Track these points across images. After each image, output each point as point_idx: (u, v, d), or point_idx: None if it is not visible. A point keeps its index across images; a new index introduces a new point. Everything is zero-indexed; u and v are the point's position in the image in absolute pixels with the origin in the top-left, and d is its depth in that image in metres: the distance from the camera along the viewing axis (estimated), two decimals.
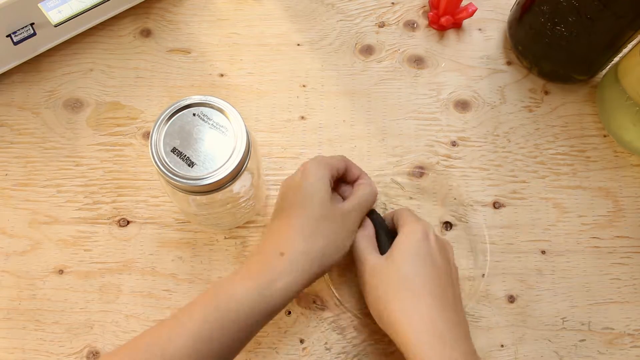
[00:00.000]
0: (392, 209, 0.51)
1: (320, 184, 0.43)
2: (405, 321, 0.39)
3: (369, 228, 0.45)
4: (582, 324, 0.49)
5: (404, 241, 0.43)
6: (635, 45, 0.49)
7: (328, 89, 0.56)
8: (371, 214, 0.46)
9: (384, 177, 0.53)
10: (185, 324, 0.38)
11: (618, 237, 0.51)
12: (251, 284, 0.39)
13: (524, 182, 0.53)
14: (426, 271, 0.41)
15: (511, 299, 0.49)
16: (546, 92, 0.57)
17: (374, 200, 0.47)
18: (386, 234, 0.46)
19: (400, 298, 0.40)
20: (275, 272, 0.40)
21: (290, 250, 0.41)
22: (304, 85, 0.56)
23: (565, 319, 0.49)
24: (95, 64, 0.57)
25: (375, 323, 0.48)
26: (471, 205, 0.52)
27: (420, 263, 0.41)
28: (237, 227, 0.51)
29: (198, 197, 0.41)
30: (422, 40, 0.59)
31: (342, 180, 0.47)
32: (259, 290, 0.39)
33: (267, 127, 0.54)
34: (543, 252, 0.51)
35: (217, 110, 0.40)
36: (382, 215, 0.47)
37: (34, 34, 0.51)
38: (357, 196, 0.45)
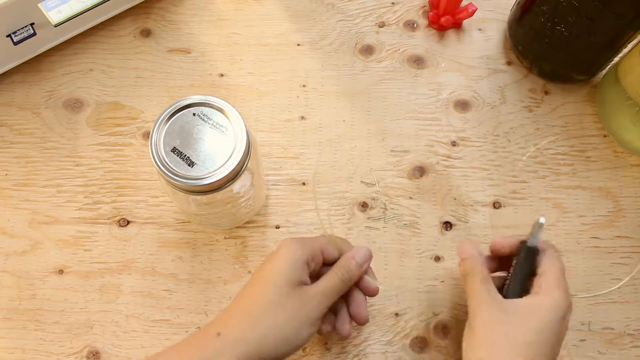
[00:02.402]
0: (393, 209, 0.51)
1: (283, 264, 0.39)
2: None
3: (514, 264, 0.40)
4: (582, 324, 0.49)
5: (543, 307, 0.37)
6: (635, 45, 0.49)
7: (328, 89, 0.56)
8: (529, 253, 0.40)
9: (384, 178, 0.53)
10: None
11: (618, 237, 0.51)
12: None
13: (524, 182, 0.53)
14: (550, 351, 0.37)
15: None
16: (546, 92, 0.57)
17: (348, 285, 0.41)
18: (524, 274, 0.40)
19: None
20: (205, 354, 0.36)
21: (226, 332, 0.37)
22: (304, 85, 0.56)
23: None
24: (95, 64, 0.57)
25: (374, 323, 0.48)
26: (471, 205, 0.52)
27: (547, 338, 0.37)
28: (237, 227, 0.51)
29: (198, 197, 0.41)
30: (422, 40, 0.59)
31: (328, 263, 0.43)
32: None
33: (267, 127, 0.54)
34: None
35: (217, 110, 0.40)
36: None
37: (34, 34, 0.51)
38: (325, 280, 0.40)
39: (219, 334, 0.37)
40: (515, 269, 0.40)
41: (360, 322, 0.43)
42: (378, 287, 0.43)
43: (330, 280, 0.40)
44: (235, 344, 0.37)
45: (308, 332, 0.39)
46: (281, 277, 0.39)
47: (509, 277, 0.41)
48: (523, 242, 0.41)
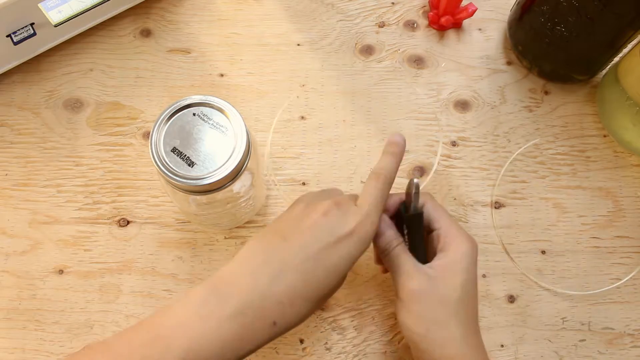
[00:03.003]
0: None
1: (362, 248, 0.37)
2: (453, 351, 0.37)
3: (408, 233, 0.41)
4: (582, 324, 0.49)
5: (457, 262, 0.39)
6: (635, 45, 0.49)
7: (328, 89, 0.56)
8: (415, 222, 0.41)
9: None
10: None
11: (618, 237, 0.51)
12: (231, 353, 0.33)
13: (524, 182, 0.53)
14: (472, 298, 0.39)
15: (511, 299, 0.49)
16: (546, 92, 0.57)
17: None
18: (421, 237, 0.41)
19: (448, 325, 0.37)
20: (258, 344, 0.34)
21: (284, 322, 0.35)
22: (304, 85, 0.56)
23: (565, 319, 0.49)
24: (95, 64, 0.57)
25: (374, 323, 0.48)
26: (471, 205, 0.52)
27: (470, 288, 0.38)
28: (237, 227, 0.51)
29: (198, 197, 0.41)
30: (422, 40, 0.59)
31: None
32: (236, 358, 0.34)
33: (267, 127, 0.54)
34: (543, 252, 0.51)
35: (217, 110, 0.40)
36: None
37: (34, 34, 0.51)
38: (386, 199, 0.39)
39: (275, 324, 0.34)
40: (411, 236, 0.41)
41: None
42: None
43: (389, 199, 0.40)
44: (287, 329, 0.35)
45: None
46: (348, 268, 0.36)
47: (406, 243, 0.41)
48: (407, 214, 0.41)
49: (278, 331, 0.35)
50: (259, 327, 0.34)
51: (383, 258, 0.41)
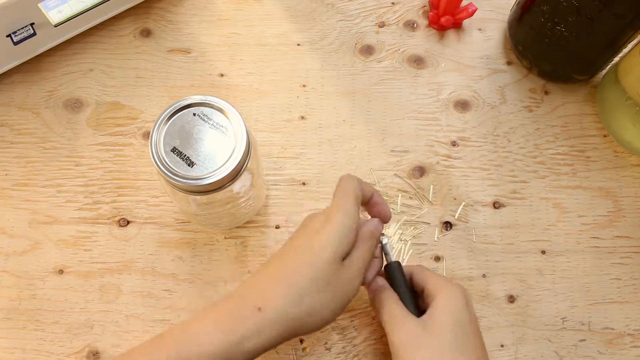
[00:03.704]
0: (392, 209, 0.51)
1: (335, 237, 0.37)
2: None
3: (392, 287, 0.42)
4: (582, 324, 0.49)
5: (446, 307, 0.39)
6: (635, 45, 0.49)
7: (328, 89, 0.56)
8: (393, 270, 0.43)
9: (384, 178, 0.53)
10: None
11: (618, 237, 0.51)
12: (218, 337, 0.35)
13: (524, 182, 0.53)
14: (468, 342, 0.38)
15: (511, 299, 0.49)
16: (546, 92, 0.57)
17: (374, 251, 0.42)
18: (409, 291, 0.42)
19: None
20: (246, 330, 0.35)
21: (268, 306, 0.36)
22: (304, 85, 0.56)
23: (565, 319, 0.49)
24: (95, 64, 0.57)
25: (374, 323, 0.48)
26: (471, 205, 0.52)
27: (462, 332, 0.38)
28: (237, 227, 0.51)
29: (198, 197, 0.41)
30: (422, 40, 0.59)
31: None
32: (226, 347, 0.35)
33: (267, 127, 0.54)
34: (543, 252, 0.51)
35: (217, 110, 0.40)
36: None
37: (34, 34, 0.51)
38: (358, 252, 0.39)
39: (260, 309, 0.35)
40: (398, 288, 0.42)
41: (386, 219, 0.43)
42: (391, 213, 0.44)
43: (362, 253, 0.40)
44: (278, 320, 0.35)
45: (349, 300, 0.39)
46: (331, 253, 0.37)
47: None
48: (386, 265, 0.43)
49: (266, 317, 0.35)
50: (243, 310, 0.36)
51: (377, 309, 0.41)
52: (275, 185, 0.52)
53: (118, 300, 0.48)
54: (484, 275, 0.50)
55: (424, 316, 0.39)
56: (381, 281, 0.43)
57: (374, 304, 0.42)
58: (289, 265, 0.38)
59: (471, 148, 0.54)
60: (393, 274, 0.43)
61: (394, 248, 0.50)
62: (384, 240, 0.43)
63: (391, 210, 0.51)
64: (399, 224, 0.51)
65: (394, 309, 0.40)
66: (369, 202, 0.43)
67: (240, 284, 0.39)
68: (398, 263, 0.43)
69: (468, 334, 0.39)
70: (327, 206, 0.41)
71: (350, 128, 0.55)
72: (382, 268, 0.44)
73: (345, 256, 0.39)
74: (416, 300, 0.42)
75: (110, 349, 0.47)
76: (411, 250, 0.50)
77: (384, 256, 0.44)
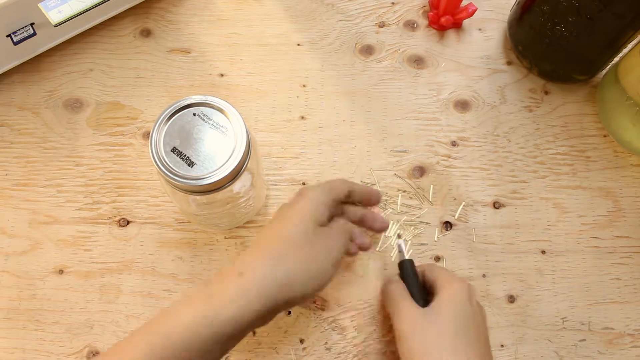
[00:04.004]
0: (392, 209, 0.51)
1: (310, 204, 0.40)
2: None
3: (404, 283, 0.45)
4: (582, 324, 0.49)
5: (449, 299, 0.41)
6: (635, 45, 0.49)
7: (328, 89, 0.56)
8: (405, 266, 0.45)
9: (384, 178, 0.53)
10: (128, 353, 0.34)
11: (618, 237, 0.51)
12: (199, 307, 0.35)
13: (524, 182, 0.53)
14: (469, 333, 0.40)
15: (511, 299, 0.49)
16: (546, 92, 0.57)
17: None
18: (420, 288, 0.44)
19: (440, 356, 0.38)
20: (227, 294, 0.35)
21: (249, 272, 0.36)
22: (304, 85, 0.56)
23: (565, 319, 0.49)
24: (95, 64, 0.57)
25: (374, 323, 0.48)
26: (471, 205, 0.52)
27: (463, 324, 0.40)
28: (237, 227, 0.51)
29: (198, 197, 0.41)
30: (422, 40, 0.59)
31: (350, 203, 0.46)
32: (206, 314, 0.34)
33: (267, 127, 0.54)
34: (543, 252, 0.51)
35: (217, 110, 0.40)
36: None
37: (34, 34, 0.51)
38: (342, 219, 0.43)
39: (241, 274, 0.36)
40: (409, 283, 0.45)
41: (379, 230, 0.46)
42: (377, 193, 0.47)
43: (344, 224, 0.42)
44: (259, 284, 0.36)
45: (332, 269, 0.39)
46: (306, 216, 0.39)
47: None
48: (400, 263, 0.46)
49: (249, 280, 0.36)
50: (224, 280, 0.36)
51: (383, 298, 0.45)
52: (275, 185, 0.52)
53: (118, 300, 0.48)
54: (484, 275, 0.50)
55: (429, 306, 0.41)
56: (393, 277, 0.46)
57: (383, 294, 0.45)
58: (266, 236, 0.39)
59: (471, 148, 0.54)
60: (405, 269, 0.45)
61: (410, 250, 0.51)
62: (400, 241, 0.48)
63: (391, 210, 0.51)
64: (399, 224, 0.51)
65: (400, 298, 0.42)
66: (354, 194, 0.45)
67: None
68: (411, 261, 0.46)
69: (469, 326, 0.40)
70: None
71: (350, 128, 0.55)
72: (398, 265, 0.46)
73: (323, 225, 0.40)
74: (427, 296, 0.44)
75: None
76: (411, 250, 0.50)
77: (398, 255, 0.47)
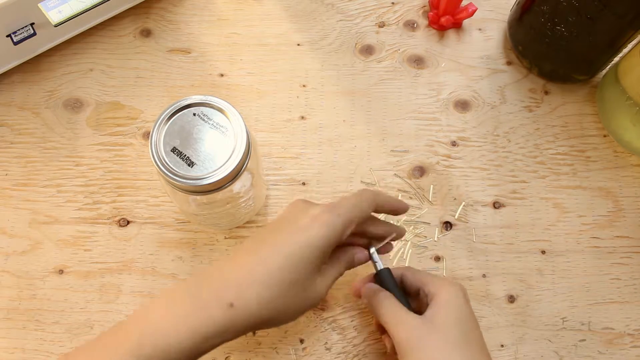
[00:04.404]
0: None
1: (322, 240, 0.36)
2: None
3: (385, 289, 0.42)
4: (582, 324, 0.49)
5: (447, 305, 0.39)
6: (635, 45, 0.49)
7: (328, 89, 0.56)
8: (384, 275, 0.42)
9: (384, 178, 0.53)
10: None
11: (618, 237, 0.51)
12: (186, 334, 0.33)
13: (524, 182, 0.53)
14: (471, 337, 0.39)
15: (511, 299, 0.49)
16: (546, 92, 0.57)
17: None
18: (402, 295, 0.42)
19: None
20: (217, 327, 0.34)
21: (241, 305, 0.34)
22: (304, 85, 0.56)
23: (565, 319, 0.49)
24: (95, 64, 0.57)
25: (374, 323, 0.48)
26: (471, 205, 0.52)
27: (466, 328, 0.39)
28: (237, 227, 0.51)
29: (198, 197, 0.41)
30: (422, 40, 0.59)
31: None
32: (194, 342, 0.33)
33: (267, 127, 0.54)
34: (543, 252, 0.51)
35: (217, 110, 0.40)
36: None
37: (34, 34, 0.51)
38: (334, 269, 0.39)
39: (232, 305, 0.34)
40: (391, 291, 0.41)
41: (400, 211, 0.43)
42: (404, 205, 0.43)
43: (337, 272, 0.40)
44: (248, 318, 0.35)
45: (302, 315, 0.38)
46: (312, 259, 0.36)
47: None
48: (376, 273, 0.42)
49: (238, 315, 0.34)
50: (214, 306, 0.34)
51: (373, 311, 0.41)
52: (275, 185, 0.52)
53: (118, 300, 0.48)
54: (484, 275, 0.50)
55: (427, 314, 0.39)
56: (373, 286, 0.42)
57: (372, 307, 0.41)
58: (268, 261, 0.35)
59: (471, 148, 0.54)
60: (385, 280, 0.42)
61: (409, 251, 0.50)
62: (372, 249, 0.43)
63: None
64: (398, 224, 0.51)
65: (394, 308, 0.40)
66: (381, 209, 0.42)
67: (212, 267, 0.37)
68: (388, 269, 0.42)
69: (471, 329, 0.39)
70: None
71: (350, 128, 0.55)
72: (373, 276, 0.43)
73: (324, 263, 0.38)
74: (409, 303, 0.42)
75: None
76: (411, 250, 0.50)
77: (373, 264, 0.43)
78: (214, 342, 0.34)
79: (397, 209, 0.43)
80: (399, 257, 0.50)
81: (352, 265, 0.42)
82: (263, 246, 0.36)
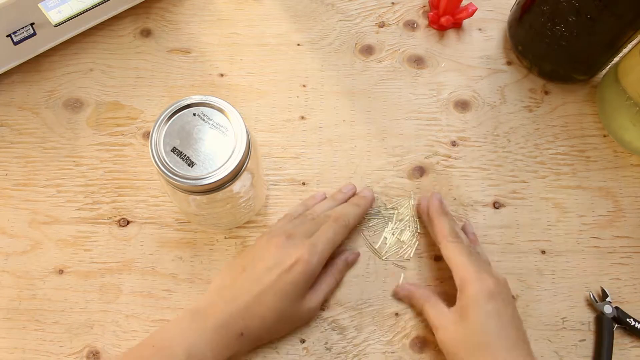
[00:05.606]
0: (393, 207, 0.51)
1: (303, 276, 0.44)
2: None
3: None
4: (582, 324, 0.49)
5: (470, 304, 0.43)
6: (635, 45, 0.49)
7: (328, 89, 0.56)
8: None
9: (384, 178, 0.53)
10: None
11: (618, 237, 0.51)
12: (213, 357, 0.41)
13: (524, 182, 0.53)
14: (499, 332, 0.42)
15: None
16: (546, 92, 0.57)
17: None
18: None
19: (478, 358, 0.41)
20: (230, 351, 0.42)
21: (249, 334, 0.43)
22: (304, 85, 0.56)
23: (565, 319, 0.49)
24: (95, 64, 0.57)
25: (374, 323, 0.48)
26: (471, 205, 0.52)
27: (493, 323, 0.42)
28: (237, 227, 0.51)
29: (198, 197, 0.41)
30: (422, 40, 0.59)
31: None
32: None
33: (267, 127, 0.54)
34: (543, 252, 0.51)
35: (217, 110, 0.40)
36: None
37: (34, 34, 0.51)
38: (324, 285, 0.47)
39: (242, 335, 0.42)
40: None
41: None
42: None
43: (328, 285, 0.47)
44: (253, 342, 0.44)
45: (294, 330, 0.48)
46: (297, 291, 0.44)
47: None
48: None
49: (248, 340, 0.43)
50: (231, 336, 0.42)
51: (416, 303, 0.47)
52: (275, 185, 0.52)
53: (118, 300, 0.48)
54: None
55: (455, 309, 0.44)
56: (409, 285, 0.48)
57: (415, 300, 0.47)
58: (264, 300, 0.43)
59: (471, 148, 0.54)
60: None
61: (416, 242, 0.51)
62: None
63: (391, 210, 0.51)
64: (401, 223, 0.51)
65: (435, 302, 0.46)
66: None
67: (225, 302, 0.43)
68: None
69: (497, 321, 0.42)
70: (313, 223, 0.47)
71: (350, 128, 0.55)
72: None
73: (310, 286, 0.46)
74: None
75: (110, 349, 0.47)
76: (411, 250, 0.50)
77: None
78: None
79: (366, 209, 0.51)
80: (400, 257, 0.50)
81: (347, 268, 0.49)
82: (257, 285, 0.43)
